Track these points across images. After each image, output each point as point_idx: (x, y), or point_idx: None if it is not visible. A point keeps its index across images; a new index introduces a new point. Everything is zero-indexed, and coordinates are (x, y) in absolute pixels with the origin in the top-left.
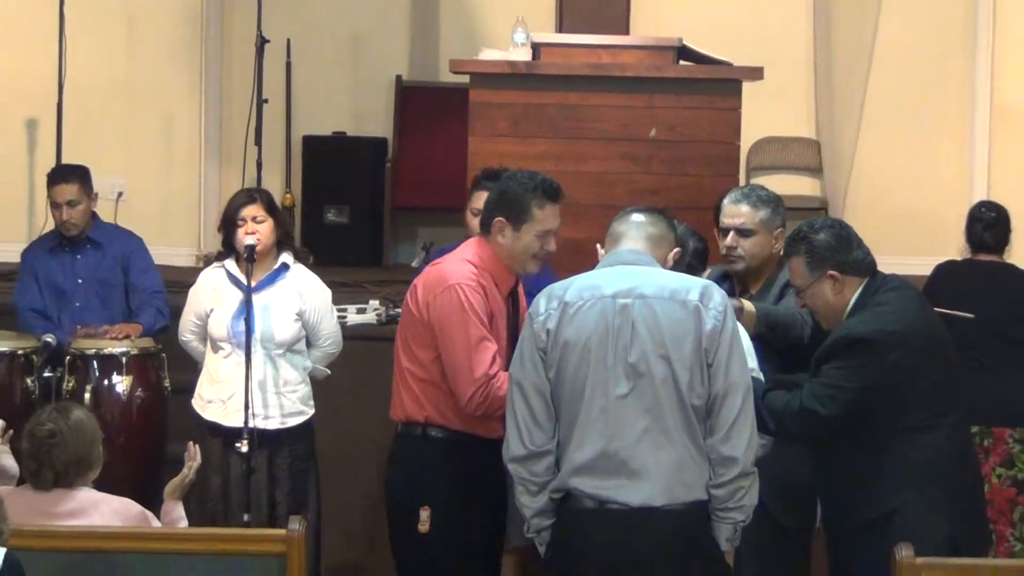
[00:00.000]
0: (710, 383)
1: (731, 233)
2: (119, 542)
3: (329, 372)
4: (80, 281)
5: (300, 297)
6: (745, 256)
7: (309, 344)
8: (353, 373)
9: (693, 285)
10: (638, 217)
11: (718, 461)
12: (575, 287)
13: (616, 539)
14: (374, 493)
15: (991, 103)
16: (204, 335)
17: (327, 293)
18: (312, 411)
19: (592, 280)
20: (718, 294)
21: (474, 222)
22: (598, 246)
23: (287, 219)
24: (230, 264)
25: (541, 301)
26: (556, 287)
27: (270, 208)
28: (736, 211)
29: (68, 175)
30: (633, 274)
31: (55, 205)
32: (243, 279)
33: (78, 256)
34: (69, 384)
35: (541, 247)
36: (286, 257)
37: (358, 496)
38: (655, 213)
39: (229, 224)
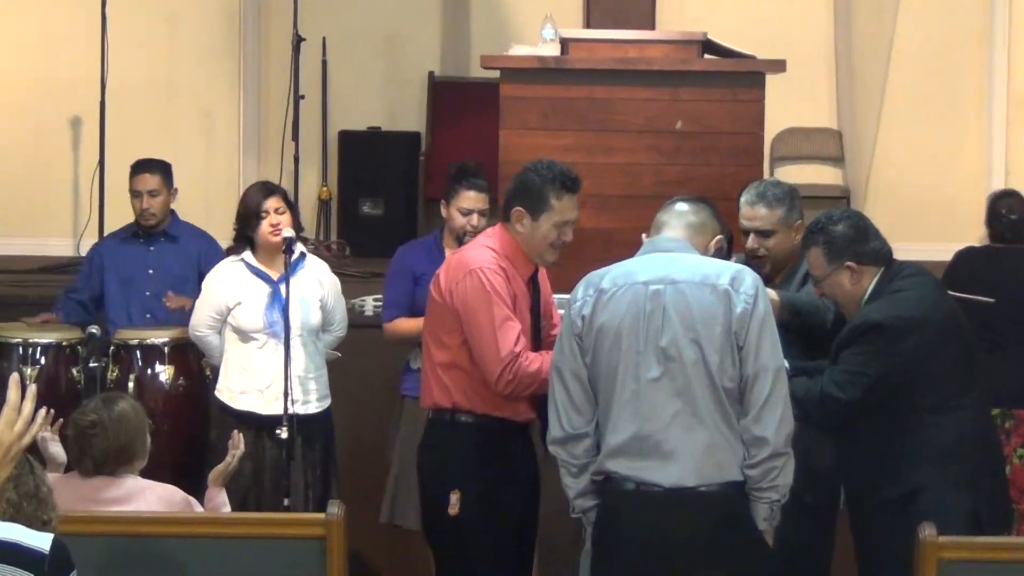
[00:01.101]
0: (741, 366)
1: (751, 235)
2: (163, 527)
3: (340, 355)
4: (151, 272)
5: (320, 284)
6: (768, 255)
7: (323, 329)
8: (386, 359)
9: (725, 270)
10: (681, 206)
11: (750, 442)
12: (611, 275)
13: (654, 520)
14: None
15: (1007, 92)
16: (220, 328)
17: (336, 279)
18: (330, 397)
19: (627, 267)
20: (750, 277)
21: (461, 220)
22: (643, 236)
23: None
24: (248, 257)
25: (579, 289)
26: (594, 275)
27: (287, 200)
28: (754, 213)
29: (151, 166)
30: (668, 260)
31: (136, 194)
32: (266, 271)
33: (151, 248)
34: (113, 374)
35: (559, 237)
36: (301, 247)
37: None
38: (699, 202)
39: (251, 217)
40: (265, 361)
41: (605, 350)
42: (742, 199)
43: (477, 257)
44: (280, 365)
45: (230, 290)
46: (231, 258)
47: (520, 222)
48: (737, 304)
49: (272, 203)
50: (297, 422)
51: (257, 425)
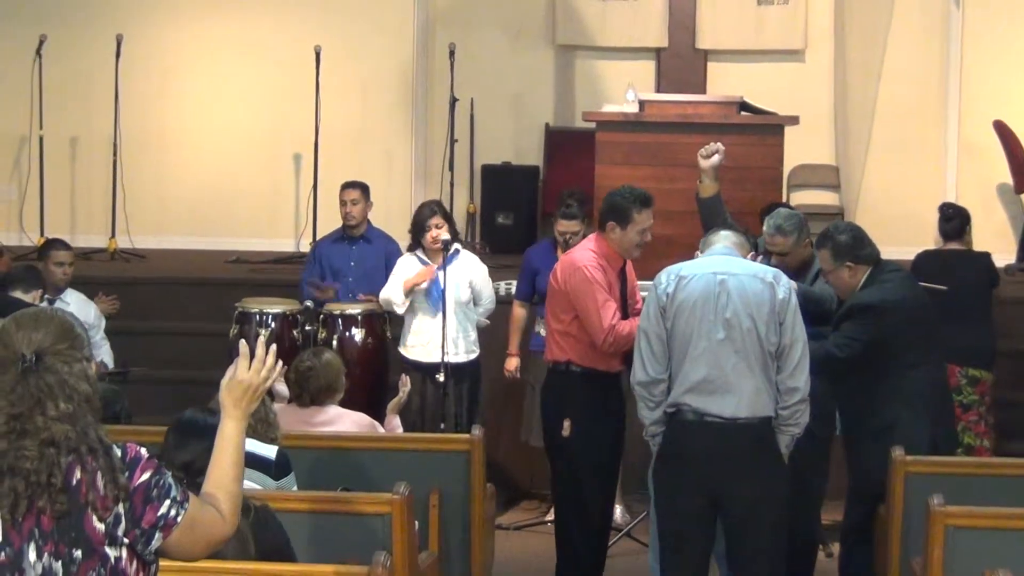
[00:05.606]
0: (780, 335)
1: (773, 256)
2: (356, 443)
3: (488, 322)
4: (352, 264)
5: (470, 271)
6: (789, 268)
7: (475, 304)
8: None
9: (769, 270)
10: (726, 232)
11: (785, 391)
12: (687, 267)
13: (710, 442)
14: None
15: (959, 139)
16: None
17: (484, 267)
18: (479, 351)
19: (698, 264)
20: (784, 277)
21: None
22: (697, 252)
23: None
24: (420, 252)
25: (662, 276)
26: (673, 268)
27: (445, 214)
28: (774, 241)
29: (354, 184)
30: (726, 260)
31: (343, 203)
32: (430, 262)
33: (353, 247)
34: (322, 335)
35: (642, 239)
36: (456, 245)
37: (517, 414)
38: (736, 228)
39: (420, 227)
40: (426, 324)
41: (683, 318)
42: (764, 228)
43: (582, 257)
44: (436, 327)
45: (407, 274)
46: (409, 253)
47: (613, 232)
48: (779, 292)
49: (435, 220)
50: (452, 368)
51: (424, 370)
